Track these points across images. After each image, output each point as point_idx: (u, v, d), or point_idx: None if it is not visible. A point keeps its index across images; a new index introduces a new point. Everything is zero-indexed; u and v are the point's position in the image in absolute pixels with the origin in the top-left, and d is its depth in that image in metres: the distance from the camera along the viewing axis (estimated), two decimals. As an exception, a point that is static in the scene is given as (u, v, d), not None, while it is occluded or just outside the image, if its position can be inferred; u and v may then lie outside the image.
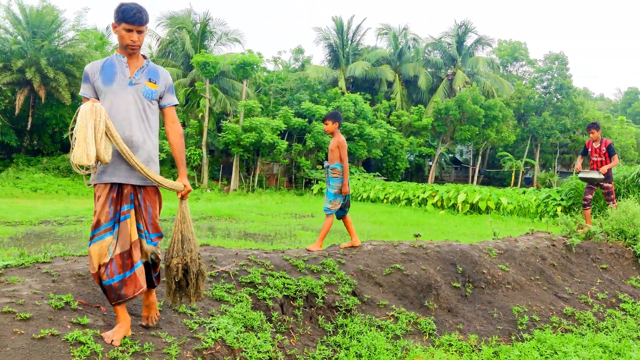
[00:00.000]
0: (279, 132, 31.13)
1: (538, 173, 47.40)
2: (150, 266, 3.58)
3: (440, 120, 39.97)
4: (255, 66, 32.58)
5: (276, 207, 21.82)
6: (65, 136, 32.55)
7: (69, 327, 3.02)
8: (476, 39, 45.71)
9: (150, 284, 3.60)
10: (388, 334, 4.85)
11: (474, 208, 20.31)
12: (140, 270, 3.41)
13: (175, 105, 3.78)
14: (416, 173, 45.14)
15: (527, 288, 6.52)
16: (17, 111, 30.25)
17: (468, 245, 6.93)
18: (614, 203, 9.16)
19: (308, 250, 6.07)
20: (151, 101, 3.59)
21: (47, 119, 32.36)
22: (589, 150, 9.34)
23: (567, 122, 47.38)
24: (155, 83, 3.60)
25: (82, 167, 3.20)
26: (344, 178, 6.47)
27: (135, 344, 3.07)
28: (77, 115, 3.22)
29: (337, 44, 42.31)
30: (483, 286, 6.21)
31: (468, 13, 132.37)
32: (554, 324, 5.80)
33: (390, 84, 43.21)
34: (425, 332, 5.11)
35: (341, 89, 38.17)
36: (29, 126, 31.85)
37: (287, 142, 32.17)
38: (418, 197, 22.69)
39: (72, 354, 2.75)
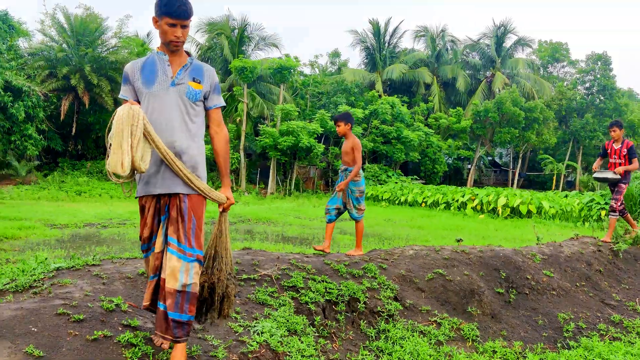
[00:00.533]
0: (315, 135, 31.21)
1: (580, 176, 46.23)
2: (185, 296, 3.06)
3: (479, 122, 39.44)
4: (292, 70, 32.76)
5: (313, 211, 21.87)
6: (108, 141, 33.30)
7: (120, 329, 3.10)
8: (516, 39, 44.96)
9: (180, 332, 3.03)
10: (431, 339, 4.81)
11: (515, 212, 19.97)
12: (152, 284, 3.21)
13: (222, 107, 3.48)
14: (454, 176, 44.61)
15: (572, 294, 6.38)
16: (62, 117, 31.15)
17: (511, 250, 6.82)
18: (615, 204, 8.49)
19: (348, 256, 6.07)
20: (195, 103, 3.28)
21: (90, 124, 33.23)
22: (609, 151, 8.71)
23: (611, 124, 46.09)
24: (199, 82, 3.30)
25: (117, 176, 2.96)
26: (348, 177, 6.33)
27: (183, 346, 3.12)
28: (113, 119, 2.98)
29: (374, 46, 42.21)
30: (527, 292, 6.10)
31: (507, 13, 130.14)
32: (601, 332, 5.65)
33: (428, 87, 42.87)
34: (468, 338, 5.05)
35: (378, 92, 38.05)
36: (73, 131, 32.74)
37: (323, 146, 32.24)
38: (457, 200, 22.43)
39: (124, 356, 2.82)
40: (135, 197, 3.24)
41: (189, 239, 3.14)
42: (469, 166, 43.32)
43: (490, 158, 49.45)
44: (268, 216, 17.43)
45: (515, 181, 43.75)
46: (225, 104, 3.64)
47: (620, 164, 8.44)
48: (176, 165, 3.10)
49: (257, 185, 34.01)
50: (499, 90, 41.41)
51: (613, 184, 8.61)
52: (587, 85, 49.07)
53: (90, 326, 3.01)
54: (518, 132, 39.01)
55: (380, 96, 37.55)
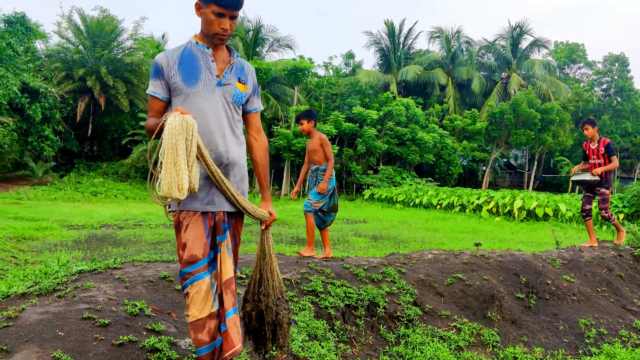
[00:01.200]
0: (330, 137, 31.20)
1: (597, 178, 45.76)
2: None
3: (494, 124, 39.21)
4: (306, 72, 32.81)
5: (328, 213, 21.84)
6: (123, 142, 33.62)
7: (144, 333, 3.11)
8: (532, 41, 44.62)
9: None
10: (451, 345, 4.78)
11: (531, 215, 19.80)
12: (233, 320, 2.73)
13: (261, 110, 3.08)
14: (469, 178, 44.38)
15: (593, 300, 6.30)
16: (78, 118, 31.43)
17: (531, 254, 6.76)
18: (607, 213, 8.02)
19: (300, 255, 5.99)
20: (239, 106, 2.91)
21: (106, 126, 33.51)
22: (587, 152, 8.26)
23: (629, 126, 45.67)
24: (244, 84, 2.90)
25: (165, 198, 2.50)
26: (327, 174, 6.06)
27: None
28: (161, 130, 2.52)
29: (388, 48, 42.12)
30: (547, 297, 6.04)
31: (523, 14, 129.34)
32: (623, 338, 5.58)
33: (442, 88, 42.71)
34: (488, 344, 5.01)
35: (393, 93, 37.96)
36: (89, 132, 33.03)
37: (337, 147, 32.23)
38: (472, 203, 22.29)
39: (149, 361, 2.83)
40: (171, 211, 2.69)
41: (236, 260, 2.91)
42: (484, 168, 43.07)
43: (505, 160, 49.14)
44: (282, 218, 17.45)
45: (531, 183, 43.42)
46: (262, 107, 3.22)
47: (600, 164, 8.02)
48: (224, 185, 2.72)
49: (271, 187, 34.07)
50: (515, 92, 41.15)
51: (592, 187, 8.21)
52: (604, 86, 48.70)
53: (115, 330, 3.02)
54: (534, 134, 38.73)
55: (394, 97, 37.46)
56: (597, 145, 8.10)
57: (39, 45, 33.02)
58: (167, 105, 2.82)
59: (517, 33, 43.80)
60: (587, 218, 8.35)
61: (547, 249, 9.99)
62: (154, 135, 2.63)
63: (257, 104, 3.04)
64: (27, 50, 29.39)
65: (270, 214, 3.04)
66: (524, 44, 44.63)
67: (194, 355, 3.02)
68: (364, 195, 31.52)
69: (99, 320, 3.07)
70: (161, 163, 2.44)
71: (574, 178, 8.28)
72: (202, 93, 2.74)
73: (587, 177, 8.01)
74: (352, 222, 18.36)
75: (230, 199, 2.78)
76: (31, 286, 3.76)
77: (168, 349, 2.95)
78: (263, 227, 3.05)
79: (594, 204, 9.07)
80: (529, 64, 44.14)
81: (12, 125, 24.70)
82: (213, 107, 2.77)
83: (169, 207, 2.65)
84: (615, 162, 7.98)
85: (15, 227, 12.69)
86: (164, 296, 3.80)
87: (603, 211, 8.04)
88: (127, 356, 2.81)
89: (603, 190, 8.04)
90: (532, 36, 44.55)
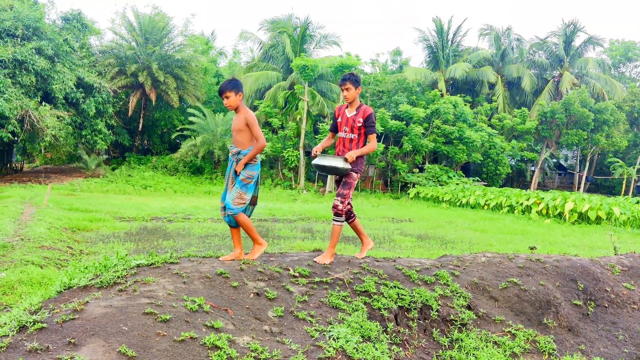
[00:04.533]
0: (376, 134, 31.00)
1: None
2: None
3: (545, 123, 38.24)
4: (353, 68, 32.70)
5: (372, 211, 21.76)
6: (172, 137, 34.30)
7: (204, 330, 3.13)
8: (586, 38, 43.29)
9: None
10: (505, 351, 4.67)
11: (582, 217, 19.24)
12: None
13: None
14: (517, 178, 43.43)
15: (655, 309, 6.06)
16: (130, 113, 32.24)
17: (588, 260, 6.54)
18: (344, 201, 5.38)
19: (247, 255, 5.00)
20: None
21: (156, 121, 34.27)
22: (339, 120, 5.62)
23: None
24: None
25: None
26: (249, 155, 4.89)
27: (264, 350, 3.13)
28: None
29: (436, 45, 41.55)
30: (606, 305, 5.84)
31: (577, 12, 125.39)
32: (688, 351, 5.34)
33: (491, 86, 41.89)
34: (544, 351, 4.87)
35: (440, 91, 37.47)
36: (140, 127, 33.83)
37: (383, 145, 32.04)
38: (521, 204, 21.82)
39: (210, 358, 2.84)
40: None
41: None
42: (533, 168, 42.08)
43: (555, 160, 47.87)
44: (327, 215, 17.45)
45: (582, 185, 42.15)
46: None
47: (352, 141, 5.52)
48: None
49: (316, 184, 34.14)
50: (567, 91, 40.02)
51: (333, 174, 5.65)
52: (662, 85, 46.73)
53: (176, 327, 3.06)
54: (586, 134, 37.60)
55: (442, 95, 36.97)
56: (354, 113, 5.51)
57: (93, 41, 34.05)
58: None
59: (570, 30, 42.55)
60: (352, 218, 5.84)
61: (601, 254, 9.67)
62: None
63: None
64: (82, 47, 30.30)
65: None
66: (578, 41, 43.36)
67: (252, 353, 3.03)
68: (409, 193, 31.26)
69: (160, 315, 3.10)
70: None
71: (316, 162, 5.50)
72: None
73: (338, 162, 5.39)
74: (398, 220, 18.21)
75: None
76: (92, 279, 3.84)
77: (228, 347, 2.96)
78: None
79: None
80: (582, 62, 42.82)
81: (68, 119, 25.53)
82: None
83: None
84: (373, 143, 5.59)
85: (70, 218, 13.11)
86: (221, 293, 3.82)
87: (338, 199, 5.43)
88: (189, 353, 2.83)
89: (352, 173, 5.48)
90: (586, 33, 43.26)
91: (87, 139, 28.25)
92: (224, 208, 5.00)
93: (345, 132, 5.60)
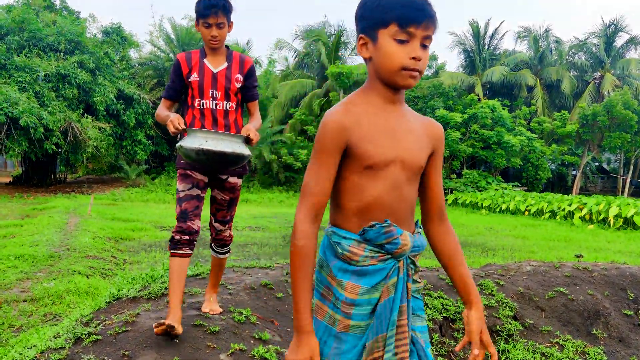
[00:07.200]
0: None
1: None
2: None
3: (586, 126, 37.35)
4: (388, 75, 32.60)
5: (411, 217, 21.56)
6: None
7: (252, 342, 3.16)
8: (628, 38, 42.12)
9: None
10: (554, 363, 4.57)
11: (628, 223, 18.67)
12: None
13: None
14: (558, 183, 42.50)
15: None
16: (168, 123, 32.71)
17: (638, 268, 6.35)
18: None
19: None
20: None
21: (194, 130, 34.72)
22: (191, 78, 3.46)
23: None
24: None
25: None
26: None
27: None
28: None
29: (473, 48, 41.10)
30: (658, 315, 5.65)
31: (618, 11, 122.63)
32: None
33: (530, 89, 41.18)
34: (595, 363, 4.74)
35: (477, 95, 37.00)
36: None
37: (419, 151, 31.74)
38: (563, 209, 21.31)
39: (259, 371, 2.87)
40: None
41: None
42: (574, 172, 41.13)
43: (597, 164, 46.71)
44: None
45: (626, 189, 40.97)
46: None
47: (228, 114, 3.54)
48: None
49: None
50: (609, 93, 39.05)
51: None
52: None
53: (225, 338, 3.08)
54: (630, 137, 36.54)
55: (479, 100, 36.50)
56: (226, 66, 3.44)
57: (132, 53, 34.76)
58: None
59: (611, 31, 41.55)
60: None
61: (651, 261, 9.37)
62: None
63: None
64: (122, 59, 31.00)
65: None
66: (619, 42, 42.27)
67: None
68: (447, 200, 30.92)
69: (209, 327, 3.14)
70: None
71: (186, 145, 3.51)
72: None
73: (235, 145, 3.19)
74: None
75: None
76: (140, 290, 3.91)
77: (276, 359, 2.98)
78: None
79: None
80: (625, 63, 41.73)
81: (109, 130, 26.14)
82: None
83: None
84: (258, 117, 3.60)
85: (113, 227, 13.38)
86: (266, 303, 3.85)
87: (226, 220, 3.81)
88: (239, 365, 2.86)
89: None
90: (628, 34, 42.11)
91: (127, 149, 28.85)
92: None
93: (213, 98, 3.40)
